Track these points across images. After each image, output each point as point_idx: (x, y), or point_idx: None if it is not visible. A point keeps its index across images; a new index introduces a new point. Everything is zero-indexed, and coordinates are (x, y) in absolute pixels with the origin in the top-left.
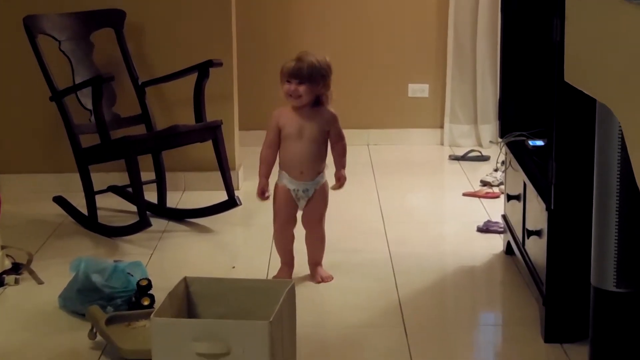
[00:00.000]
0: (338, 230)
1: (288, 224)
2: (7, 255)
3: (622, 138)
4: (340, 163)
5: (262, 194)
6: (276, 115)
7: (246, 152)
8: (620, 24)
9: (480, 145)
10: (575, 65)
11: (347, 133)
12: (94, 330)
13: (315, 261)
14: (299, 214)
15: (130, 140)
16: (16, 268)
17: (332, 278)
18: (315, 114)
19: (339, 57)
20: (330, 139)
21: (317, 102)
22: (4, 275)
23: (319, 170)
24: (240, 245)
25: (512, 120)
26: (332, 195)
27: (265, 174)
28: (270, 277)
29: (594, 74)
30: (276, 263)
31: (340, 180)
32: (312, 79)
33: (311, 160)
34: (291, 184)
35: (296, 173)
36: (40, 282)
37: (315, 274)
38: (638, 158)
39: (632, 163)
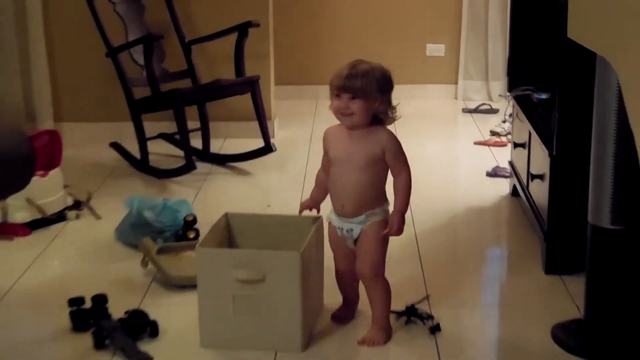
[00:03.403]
0: None
1: (343, 268)
2: (69, 194)
3: (619, 89)
4: (397, 203)
5: (301, 206)
6: (325, 135)
7: (281, 104)
8: None
9: (490, 99)
10: (578, 23)
11: None
12: (146, 260)
13: (373, 317)
14: None
15: (177, 92)
16: (77, 205)
17: (377, 344)
18: (369, 134)
19: (365, 20)
20: (390, 168)
21: (376, 122)
22: (67, 211)
23: (369, 206)
24: (274, 186)
25: (519, 76)
26: None
27: (314, 195)
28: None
29: (595, 29)
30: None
31: (390, 226)
32: (367, 94)
33: (356, 192)
34: (336, 221)
35: (338, 206)
36: (98, 217)
37: (365, 338)
38: (633, 106)
39: (627, 110)
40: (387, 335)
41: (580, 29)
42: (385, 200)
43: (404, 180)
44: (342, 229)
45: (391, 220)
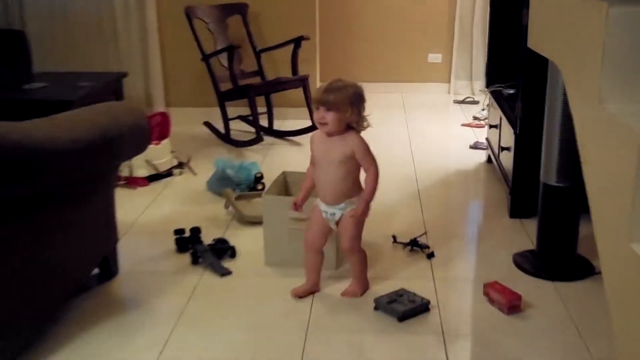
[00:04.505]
0: (381, 142)
1: (313, 242)
2: (175, 157)
3: (564, 86)
4: (364, 193)
5: (294, 205)
6: (311, 139)
7: None
8: (564, 5)
9: (473, 93)
10: (535, 37)
11: (388, 86)
12: (227, 204)
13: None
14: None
15: (250, 86)
16: (180, 165)
17: (354, 295)
18: (342, 139)
19: (384, 35)
20: (362, 166)
21: (350, 128)
22: (173, 169)
23: (347, 196)
24: None
25: (493, 77)
26: (374, 119)
27: (305, 188)
28: None
29: (547, 42)
30: None
31: (355, 211)
32: (339, 107)
33: (334, 185)
34: (322, 206)
35: (322, 196)
36: (194, 174)
37: (347, 290)
38: (572, 95)
39: (568, 98)
40: (363, 288)
41: (537, 41)
42: (361, 190)
43: (372, 175)
44: (326, 212)
45: (357, 207)
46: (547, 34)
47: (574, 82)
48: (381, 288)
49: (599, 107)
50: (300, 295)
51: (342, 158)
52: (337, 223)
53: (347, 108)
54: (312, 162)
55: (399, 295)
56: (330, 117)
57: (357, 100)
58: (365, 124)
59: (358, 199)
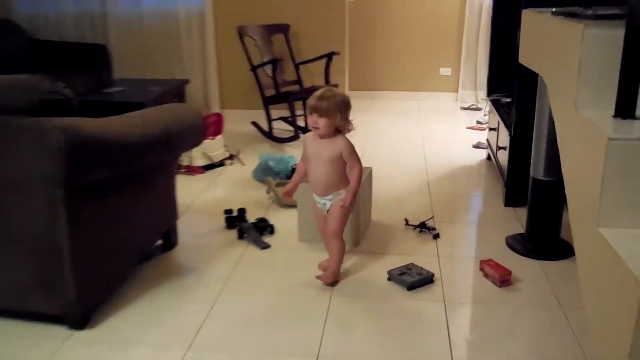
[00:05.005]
0: (398, 141)
1: (321, 228)
2: (227, 150)
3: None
4: (350, 187)
5: (286, 193)
6: (305, 139)
7: (352, 102)
8: (548, 28)
9: (477, 101)
10: (525, 53)
11: (405, 95)
12: (269, 190)
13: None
14: None
15: (290, 93)
16: (231, 157)
17: (325, 282)
18: (331, 140)
19: (402, 52)
20: (347, 164)
21: (338, 132)
22: (225, 160)
23: (334, 188)
24: None
25: (493, 88)
26: (393, 121)
27: (294, 180)
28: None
29: (534, 57)
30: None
31: (344, 201)
32: (329, 114)
33: (324, 179)
34: (316, 198)
35: (313, 189)
36: (243, 164)
37: (322, 275)
38: (554, 103)
39: (551, 105)
40: (334, 278)
41: (526, 57)
42: (347, 184)
43: (356, 172)
44: (319, 202)
45: (345, 197)
46: (534, 51)
47: (555, 92)
48: (394, 262)
49: (575, 112)
50: (324, 267)
51: (331, 157)
52: (328, 211)
53: (336, 114)
54: (303, 158)
55: (408, 269)
56: (322, 122)
57: (344, 107)
58: (350, 127)
59: (345, 191)
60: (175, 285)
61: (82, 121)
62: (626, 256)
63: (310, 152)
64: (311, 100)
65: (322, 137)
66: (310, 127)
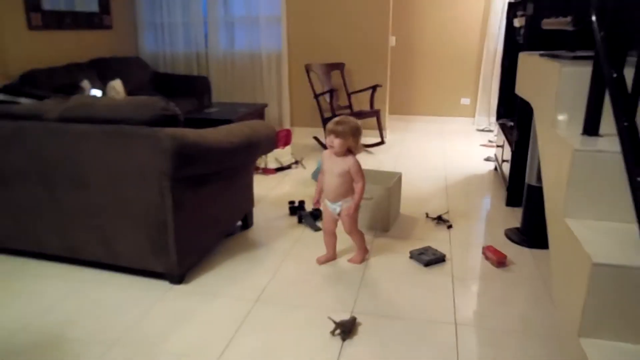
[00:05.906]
0: (424, 154)
1: (327, 227)
2: (293, 157)
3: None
4: (355, 198)
5: (316, 203)
6: (322, 155)
7: (391, 123)
8: (536, 67)
9: (490, 124)
10: (520, 86)
11: (430, 119)
12: None
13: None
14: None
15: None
16: (296, 162)
17: (355, 262)
18: (343, 159)
19: (432, 84)
20: (353, 178)
21: (350, 152)
22: (292, 164)
23: (343, 197)
24: (384, 159)
25: (501, 114)
26: (422, 139)
27: (318, 190)
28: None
29: (526, 88)
30: (407, 165)
31: (348, 210)
32: (344, 136)
33: (335, 189)
34: (328, 203)
35: (327, 195)
36: (304, 168)
37: (351, 258)
38: (538, 123)
39: (536, 125)
40: (363, 256)
41: (521, 89)
42: (353, 194)
43: (359, 187)
44: (330, 207)
45: (350, 207)
46: (526, 84)
47: (539, 115)
48: (414, 245)
49: (553, 130)
50: (321, 262)
51: (341, 172)
52: (338, 214)
53: (349, 137)
54: (322, 172)
55: (425, 250)
56: (337, 142)
57: (356, 132)
58: (360, 149)
59: (351, 199)
60: (249, 255)
61: (186, 131)
62: (583, 240)
63: (326, 166)
64: (330, 125)
65: (336, 154)
66: (327, 146)
